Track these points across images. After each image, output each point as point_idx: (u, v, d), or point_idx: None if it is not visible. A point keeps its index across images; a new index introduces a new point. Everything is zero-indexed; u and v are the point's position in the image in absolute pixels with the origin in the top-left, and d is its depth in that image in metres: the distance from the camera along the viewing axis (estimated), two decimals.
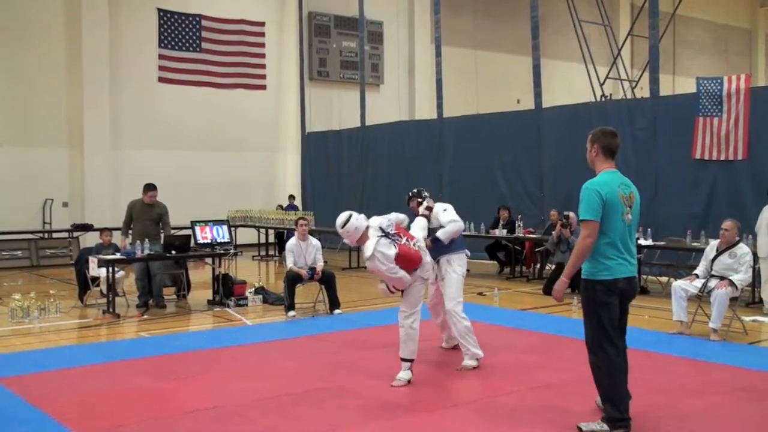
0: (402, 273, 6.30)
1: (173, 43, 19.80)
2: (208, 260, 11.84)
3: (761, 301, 10.32)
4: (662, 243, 11.85)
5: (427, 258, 6.66)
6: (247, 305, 11.06)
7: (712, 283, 8.50)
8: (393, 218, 6.66)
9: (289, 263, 10.33)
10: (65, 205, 18.34)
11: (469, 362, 7.01)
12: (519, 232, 13.79)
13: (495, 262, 15.07)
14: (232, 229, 13.96)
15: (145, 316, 10.33)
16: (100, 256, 10.56)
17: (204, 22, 20.18)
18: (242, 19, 20.89)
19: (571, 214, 11.97)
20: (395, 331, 6.57)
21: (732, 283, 8.37)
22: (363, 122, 19.85)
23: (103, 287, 10.82)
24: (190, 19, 20.02)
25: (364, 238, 6.38)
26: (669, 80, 22.21)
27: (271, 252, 18.64)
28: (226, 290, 11.17)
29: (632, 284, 5.10)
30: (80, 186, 18.38)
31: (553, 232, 12.29)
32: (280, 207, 19.90)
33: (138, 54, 19.22)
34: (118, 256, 10.61)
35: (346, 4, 22.18)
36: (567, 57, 23.65)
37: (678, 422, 5.49)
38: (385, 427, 5.43)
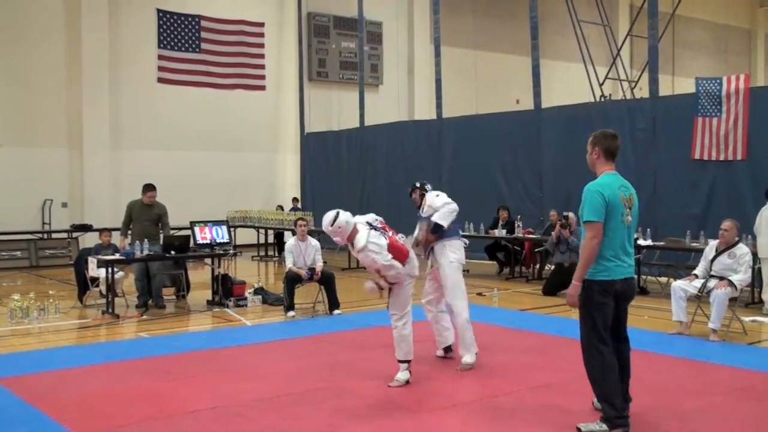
0: (396, 262, 6.31)
1: (173, 43, 19.80)
2: (208, 261, 11.84)
3: (761, 301, 10.33)
4: (661, 243, 11.85)
5: (413, 254, 6.69)
6: (246, 306, 11.06)
7: (712, 283, 8.50)
8: (372, 218, 6.64)
9: (289, 263, 10.33)
10: (64, 205, 18.35)
11: (468, 359, 6.97)
12: (518, 233, 13.80)
13: (494, 262, 15.07)
14: (232, 229, 13.97)
15: (145, 317, 10.33)
16: (100, 257, 10.56)
17: (203, 23, 20.19)
18: (241, 20, 20.90)
19: (570, 215, 11.97)
20: (391, 334, 6.56)
21: (731, 284, 8.37)
22: (362, 122, 19.85)
23: (103, 288, 10.82)
24: (190, 19, 20.03)
25: (354, 233, 6.35)
26: (668, 80, 22.22)
27: (270, 252, 18.65)
28: (226, 291, 11.17)
29: (630, 285, 5.14)
30: (80, 186, 18.38)
31: (553, 233, 12.29)
32: (280, 207, 19.90)
33: (137, 54, 19.23)
34: (117, 256, 10.61)
35: (345, 4, 22.19)
36: (566, 57, 23.66)
37: (678, 423, 5.49)
38: (385, 428, 5.43)
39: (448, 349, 7.42)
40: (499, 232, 14.16)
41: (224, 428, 5.45)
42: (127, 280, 11.75)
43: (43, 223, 17.92)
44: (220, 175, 20.15)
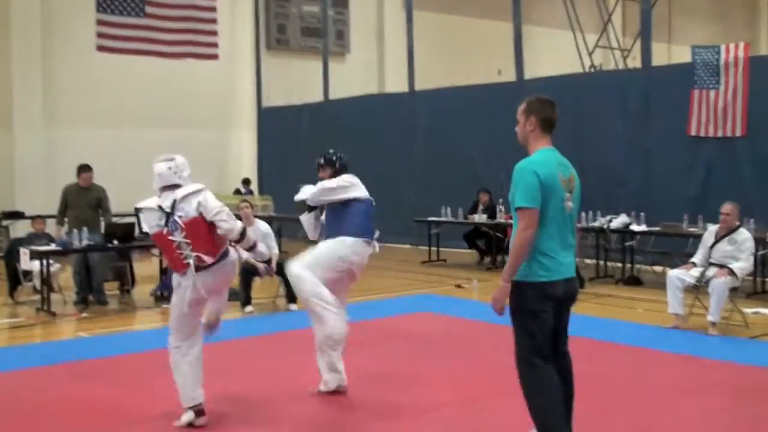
0: None
1: (113, 6, 19.47)
2: (155, 251, 11.76)
3: (765, 291, 10.49)
4: (656, 229, 11.98)
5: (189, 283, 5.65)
6: None
7: (711, 272, 8.61)
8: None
9: (243, 254, 10.26)
10: None
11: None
12: (500, 218, 13.85)
13: (474, 250, 15.14)
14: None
15: (85, 314, 10.25)
16: (33, 248, 10.43)
17: None
18: None
19: None
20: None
21: (732, 272, 8.48)
22: (326, 96, 19.78)
23: (37, 282, 10.72)
24: None
25: (163, 193, 5.75)
26: (663, 49, 22.44)
27: None
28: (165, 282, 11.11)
29: (573, 286, 4.64)
30: (9, 169, 18.12)
31: None
32: (239, 191, 19.82)
33: (73, 19, 18.92)
34: (53, 247, 10.49)
35: None
36: (552, 23, 23.73)
37: (673, 423, 5.57)
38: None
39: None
40: (479, 218, 14.21)
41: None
42: (65, 274, 11.62)
43: None
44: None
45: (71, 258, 11.04)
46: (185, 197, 5.60)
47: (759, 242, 10.00)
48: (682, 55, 19.90)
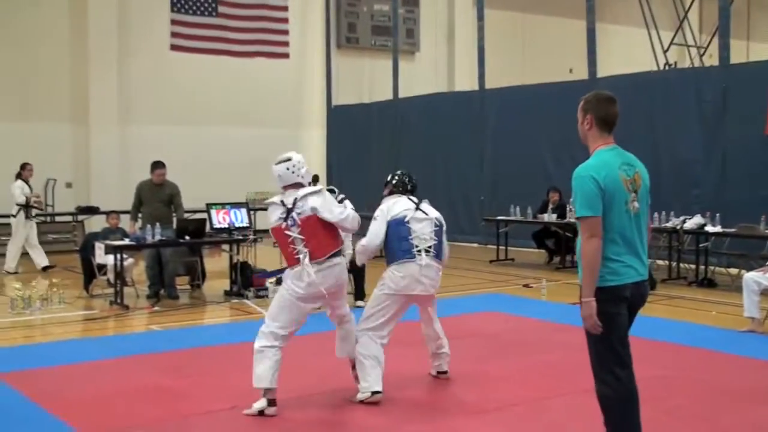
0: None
1: (187, 6, 19.88)
2: (225, 247, 11.94)
3: None
4: (732, 230, 11.71)
5: (300, 278, 5.84)
6: (267, 296, 11.12)
7: None
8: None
9: None
10: (69, 185, 18.56)
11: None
12: (570, 218, 13.70)
13: (543, 250, 15.01)
14: (252, 212, 14.03)
15: (156, 308, 10.45)
16: (107, 242, 10.68)
17: None
18: None
19: None
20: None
21: None
22: (396, 94, 19.81)
23: (111, 276, 10.94)
24: None
25: (286, 191, 6.01)
26: (742, 46, 21.88)
27: None
28: (245, 280, 11.26)
29: (642, 292, 4.44)
30: (85, 165, 18.58)
31: None
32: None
33: (149, 19, 19.33)
34: (126, 241, 10.72)
35: None
36: (626, 21, 23.36)
37: (747, 430, 5.45)
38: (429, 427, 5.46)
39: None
40: (549, 217, 14.08)
41: (245, 429, 5.51)
42: (138, 268, 11.88)
43: (46, 206, 18.13)
44: (238, 153, 20.23)
45: (144, 253, 11.28)
46: (305, 196, 5.95)
47: None
48: (760, 52, 19.45)
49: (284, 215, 5.92)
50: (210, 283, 12.09)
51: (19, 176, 14.42)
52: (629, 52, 22.10)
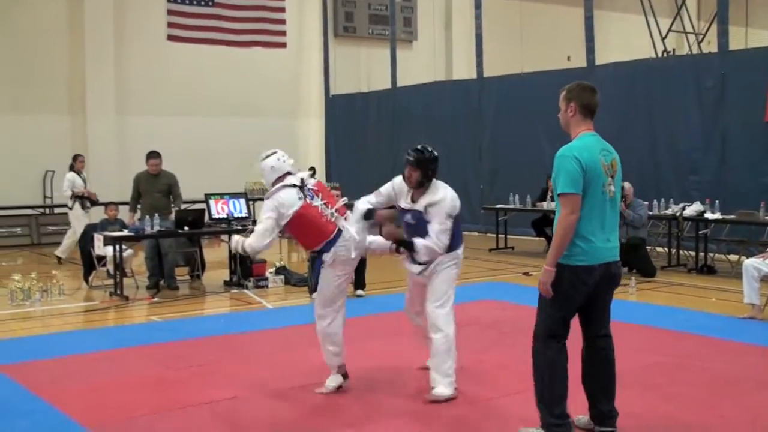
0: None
1: None
2: (225, 237, 11.93)
3: None
4: (731, 217, 11.70)
5: (348, 235, 5.90)
6: (267, 287, 11.14)
7: None
8: (307, 176, 6.15)
9: None
10: None
11: (442, 390, 5.82)
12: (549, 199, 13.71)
13: (542, 238, 15.00)
14: (251, 202, 14.04)
15: (156, 299, 10.46)
16: (106, 233, 10.68)
17: None
18: None
19: (626, 185, 11.86)
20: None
21: None
22: (394, 83, 19.77)
23: (110, 267, 10.95)
24: None
25: (277, 183, 6.03)
26: (740, 33, 21.80)
27: None
28: (245, 270, 11.26)
29: (614, 271, 4.76)
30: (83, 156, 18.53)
31: None
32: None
33: (145, 9, 19.27)
34: (125, 232, 10.72)
35: None
36: (624, 8, 23.30)
37: (749, 417, 5.45)
38: (422, 420, 5.45)
39: None
40: (548, 205, 14.06)
41: (244, 420, 5.51)
42: (137, 259, 11.88)
43: (45, 197, 18.13)
44: (236, 143, 20.18)
45: (143, 243, 11.27)
46: (303, 177, 6.11)
47: None
48: (758, 38, 19.41)
49: (301, 194, 5.93)
50: (209, 273, 12.09)
51: (71, 168, 14.32)
52: (627, 39, 22.06)
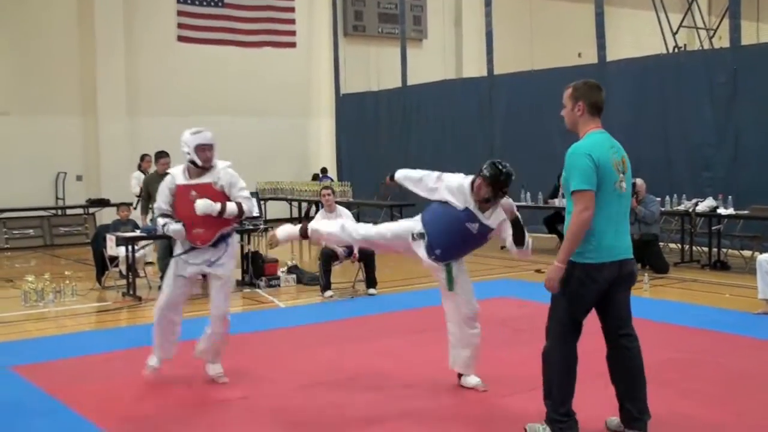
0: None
1: None
2: (236, 237, 11.93)
3: None
4: (745, 212, 11.65)
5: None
6: (279, 286, 11.15)
7: None
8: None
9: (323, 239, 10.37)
10: (79, 178, 18.63)
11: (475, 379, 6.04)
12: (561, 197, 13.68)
13: (554, 235, 14.96)
14: (262, 202, 14.07)
15: None
16: (119, 234, 10.70)
17: None
18: None
19: (639, 181, 11.83)
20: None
21: None
22: (404, 82, 19.76)
23: (123, 268, 10.98)
24: None
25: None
26: (752, 27, 21.68)
27: None
28: (256, 269, 11.27)
29: (628, 269, 4.75)
30: (95, 157, 18.62)
31: None
32: (317, 177, 20.05)
33: (155, 10, 19.34)
34: (137, 233, 10.74)
35: None
36: (635, 4, 23.23)
37: (765, 413, 5.43)
38: (439, 414, 5.45)
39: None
40: (560, 202, 14.02)
41: (257, 419, 5.52)
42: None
43: (57, 199, 18.21)
44: (247, 143, 20.21)
45: (156, 244, 11.29)
46: None
47: None
48: None
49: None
50: None
51: (138, 167, 14.36)
52: (638, 35, 22.01)
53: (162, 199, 6.39)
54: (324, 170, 20.80)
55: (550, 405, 4.78)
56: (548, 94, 15.92)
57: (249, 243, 11.47)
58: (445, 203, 5.85)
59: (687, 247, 12.51)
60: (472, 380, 6.01)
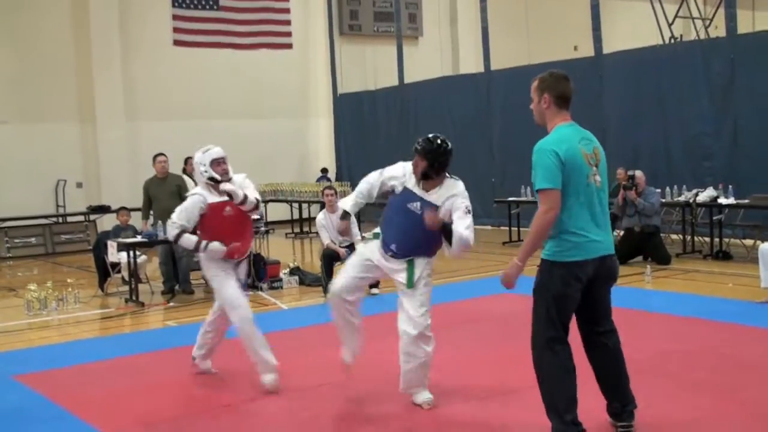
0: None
1: (188, 1, 19.85)
2: None
3: None
4: (746, 201, 11.64)
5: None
6: (281, 287, 11.15)
7: None
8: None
9: (325, 240, 10.38)
10: (79, 185, 18.62)
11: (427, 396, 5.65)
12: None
13: None
14: (262, 204, 14.05)
15: (172, 304, 10.48)
16: (120, 240, 10.70)
17: None
18: None
19: (638, 173, 11.83)
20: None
21: None
22: (401, 80, 19.75)
23: (125, 273, 10.99)
24: None
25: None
26: (748, 16, 21.64)
27: (306, 229, 18.73)
28: (259, 272, 11.27)
29: (610, 265, 4.53)
30: (95, 164, 18.62)
31: (619, 195, 12.13)
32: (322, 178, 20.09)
33: (150, 15, 19.32)
34: (138, 239, 10.74)
35: None
36: None
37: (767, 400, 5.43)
38: (442, 417, 5.44)
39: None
40: None
41: (265, 422, 5.53)
42: (151, 265, 11.91)
43: (58, 206, 18.21)
44: (245, 146, 20.15)
45: (157, 249, 11.29)
46: None
47: None
48: (767, 21, 19.22)
49: None
50: None
51: (183, 171, 14.33)
52: (634, 26, 21.91)
53: (186, 217, 6.36)
54: (324, 170, 20.79)
55: (555, 417, 4.51)
56: None
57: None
58: (392, 193, 5.72)
59: (688, 237, 12.50)
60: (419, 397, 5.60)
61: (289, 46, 21.34)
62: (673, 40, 19.63)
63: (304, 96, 21.86)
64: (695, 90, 13.40)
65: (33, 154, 17.91)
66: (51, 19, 18.21)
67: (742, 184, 12.00)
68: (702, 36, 20.42)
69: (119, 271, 11.15)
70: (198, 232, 6.43)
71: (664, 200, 12.21)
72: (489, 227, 16.85)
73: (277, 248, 14.61)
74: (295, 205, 18.72)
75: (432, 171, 5.48)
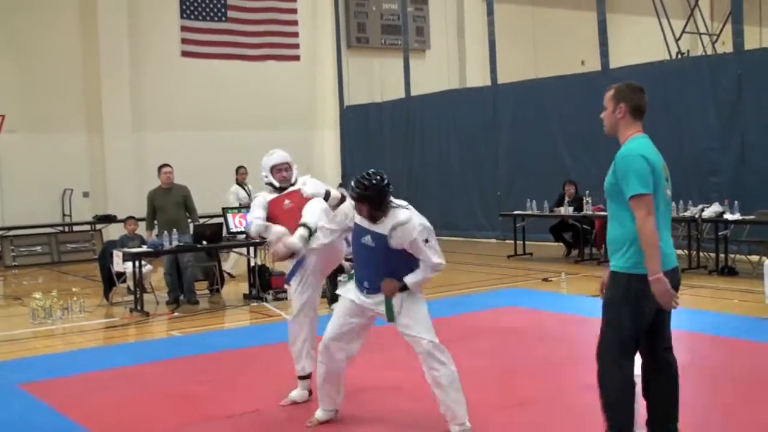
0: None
1: (196, 12, 19.94)
2: (243, 251, 11.96)
3: None
4: (751, 217, 11.63)
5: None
6: (286, 299, 11.13)
7: None
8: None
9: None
10: (86, 195, 18.65)
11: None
12: (587, 210, 13.65)
13: (561, 243, 14.96)
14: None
15: (176, 314, 10.48)
16: (126, 250, 10.73)
17: None
18: None
19: None
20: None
21: None
22: (408, 92, 19.80)
23: (130, 283, 11.00)
24: None
25: None
26: (755, 32, 21.69)
27: None
28: (264, 283, 11.28)
29: (678, 277, 4.44)
30: (101, 174, 18.66)
31: None
32: (342, 186, 20.11)
33: (158, 26, 19.39)
34: (144, 249, 10.76)
35: None
36: (637, 10, 23.23)
37: None
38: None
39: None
40: (566, 210, 14.03)
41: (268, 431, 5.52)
42: (156, 275, 11.92)
43: (64, 215, 18.25)
44: (251, 157, 19.89)
45: (162, 259, 11.31)
46: None
47: None
48: None
49: None
50: (228, 287, 12.12)
51: (236, 181, 14.34)
52: (641, 42, 21.99)
53: (257, 214, 6.24)
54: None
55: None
56: (552, 102, 16.11)
57: (255, 257, 11.48)
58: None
59: (694, 253, 12.47)
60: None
61: (296, 58, 21.41)
62: (680, 56, 19.69)
63: (311, 108, 21.91)
64: (702, 105, 13.42)
65: (40, 163, 17.97)
66: (60, 30, 18.29)
67: (748, 200, 12.00)
68: (709, 51, 20.46)
69: (124, 281, 11.17)
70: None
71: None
72: (494, 240, 16.86)
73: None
74: None
75: (378, 211, 5.25)
